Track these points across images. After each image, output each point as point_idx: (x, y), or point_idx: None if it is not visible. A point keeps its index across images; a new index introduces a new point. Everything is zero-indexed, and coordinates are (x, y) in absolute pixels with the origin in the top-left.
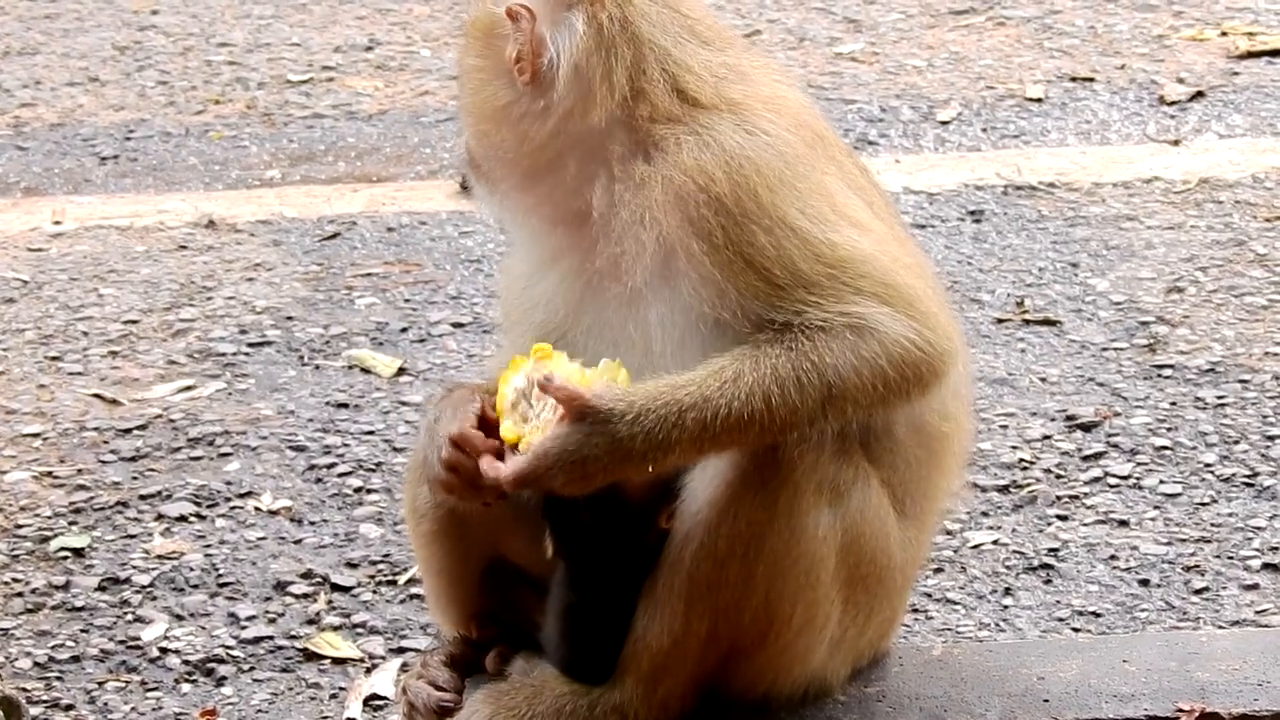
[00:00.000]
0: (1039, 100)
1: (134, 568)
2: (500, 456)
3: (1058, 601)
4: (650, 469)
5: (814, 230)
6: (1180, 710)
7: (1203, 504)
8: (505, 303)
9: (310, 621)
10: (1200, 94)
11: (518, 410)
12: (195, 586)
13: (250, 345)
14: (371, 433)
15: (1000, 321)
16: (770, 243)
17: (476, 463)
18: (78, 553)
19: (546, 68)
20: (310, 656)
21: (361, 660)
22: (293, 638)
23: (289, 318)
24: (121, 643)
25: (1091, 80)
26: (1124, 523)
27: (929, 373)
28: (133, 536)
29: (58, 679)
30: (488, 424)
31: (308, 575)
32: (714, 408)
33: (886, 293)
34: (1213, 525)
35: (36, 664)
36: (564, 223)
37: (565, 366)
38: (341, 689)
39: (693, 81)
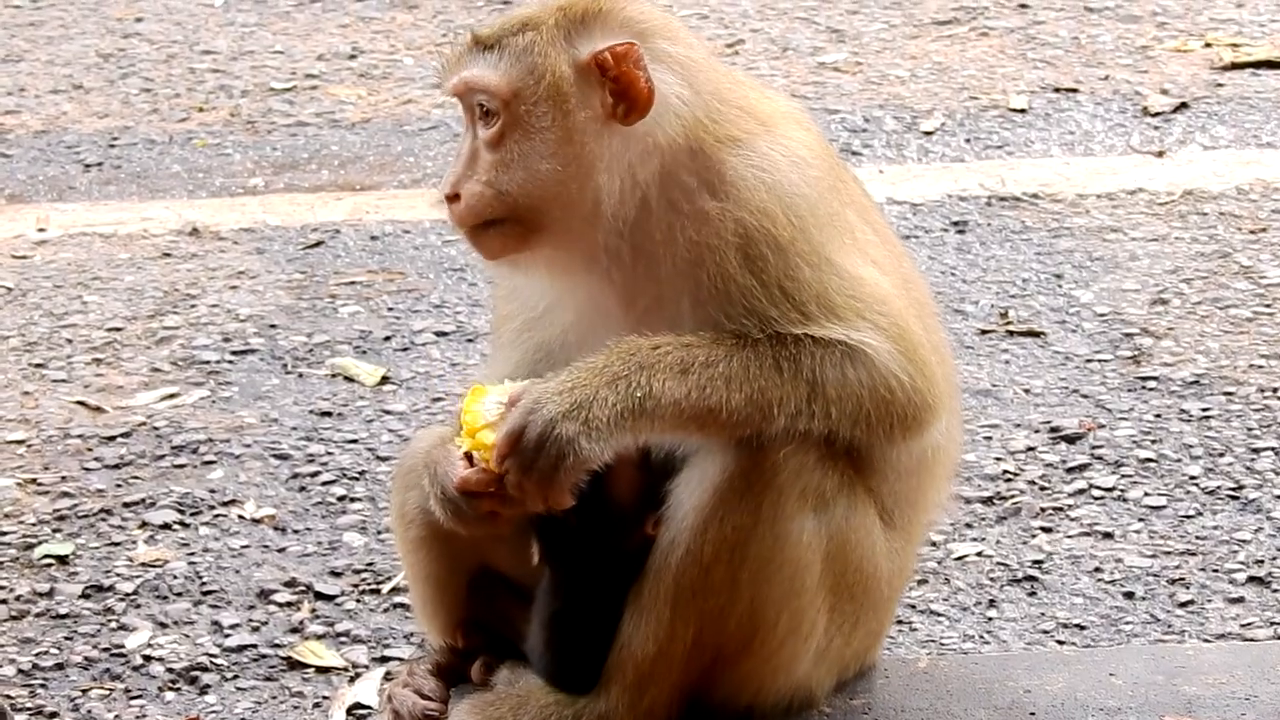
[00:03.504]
0: (1022, 111)
1: (118, 575)
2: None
3: (1042, 614)
4: (640, 413)
5: (848, 266)
6: None
7: (1187, 517)
8: (502, 327)
9: (294, 630)
10: (1184, 105)
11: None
12: (179, 594)
13: (234, 353)
14: (355, 441)
15: (984, 333)
16: (813, 278)
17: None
18: (62, 560)
19: (645, 107)
20: (294, 665)
21: (345, 669)
22: (276, 646)
23: (272, 326)
24: (105, 650)
25: (1075, 91)
26: (1108, 535)
27: (912, 420)
28: (116, 544)
29: (42, 686)
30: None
31: (291, 584)
32: (693, 356)
33: (897, 334)
34: (1197, 538)
35: (21, 671)
36: (592, 261)
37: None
38: (325, 698)
39: (737, 113)
